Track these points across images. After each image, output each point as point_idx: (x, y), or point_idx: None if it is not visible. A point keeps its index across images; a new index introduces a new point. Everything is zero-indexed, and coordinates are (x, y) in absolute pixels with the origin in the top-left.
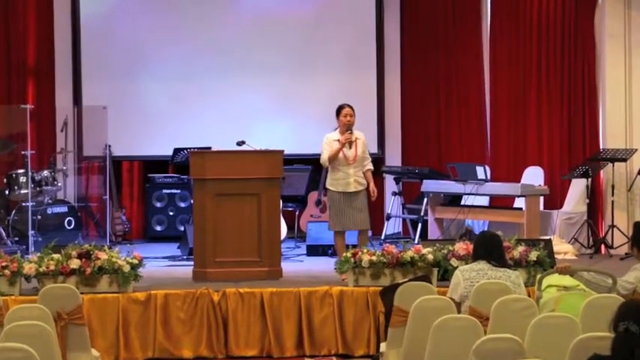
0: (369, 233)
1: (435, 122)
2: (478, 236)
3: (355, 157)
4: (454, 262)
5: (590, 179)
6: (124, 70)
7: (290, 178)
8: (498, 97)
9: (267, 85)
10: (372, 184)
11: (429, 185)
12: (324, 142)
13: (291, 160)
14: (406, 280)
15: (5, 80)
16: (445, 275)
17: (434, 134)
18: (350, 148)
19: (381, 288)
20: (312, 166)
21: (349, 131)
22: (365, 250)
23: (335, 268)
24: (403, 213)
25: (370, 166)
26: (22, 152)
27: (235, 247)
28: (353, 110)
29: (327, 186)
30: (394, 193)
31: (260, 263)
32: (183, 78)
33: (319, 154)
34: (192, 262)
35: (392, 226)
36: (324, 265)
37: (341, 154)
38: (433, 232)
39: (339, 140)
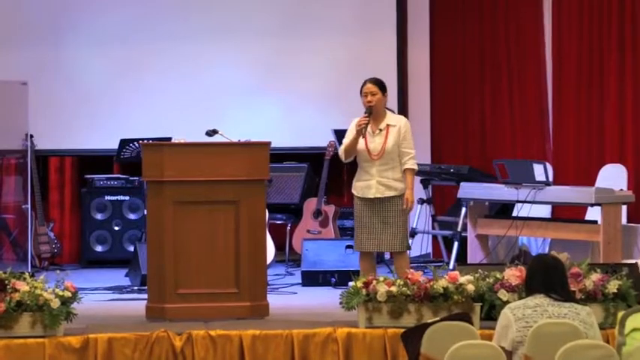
0: (386, 255)
1: (478, 106)
2: (534, 260)
3: (381, 151)
4: (503, 294)
5: None
6: (50, 33)
7: (279, 181)
8: (564, 72)
9: (249, 54)
10: (408, 191)
11: (469, 190)
12: (349, 128)
13: (280, 156)
14: (438, 319)
15: None
16: (491, 313)
17: (475, 122)
18: (363, 137)
19: (403, 330)
20: (309, 164)
21: (365, 114)
22: (381, 279)
23: (341, 303)
24: (433, 228)
25: (408, 165)
26: None
27: (204, 274)
28: (379, 86)
29: (352, 189)
30: (421, 201)
31: (238, 296)
32: (133, 44)
33: (318, 148)
34: (145, 295)
35: (418, 246)
36: (326, 298)
37: (363, 146)
38: (474, 253)
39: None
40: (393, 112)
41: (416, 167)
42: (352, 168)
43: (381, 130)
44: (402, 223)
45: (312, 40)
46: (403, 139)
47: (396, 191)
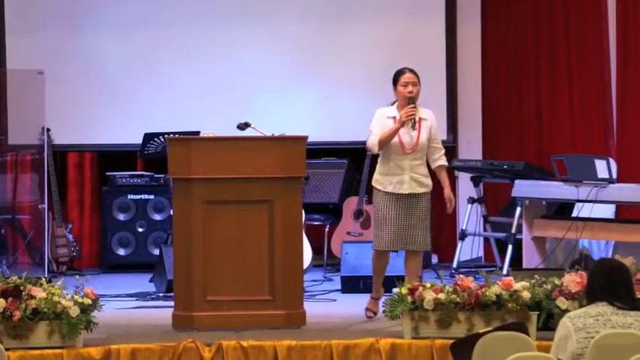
0: (433, 259)
1: (534, 96)
2: (597, 265)
3: (416, 144)
4: (562, 302)
5: None
6: (67, 18)
7: (317, 178)
8: (630, 60)
9: (285, 40)
10: (447, 189)
11: (525, 188)
12: (374, 119)
13: (318, 152)
14: (490, 329)
15: None
16: (548, 323)
17: (531, 113)
18: (413, 129)
19: (452, 341)
20: (350, 160)
21: (412, 105)
22: (428, 285)
23: (384, 311)
24: (485, 229)
25: (442, 161)
26: None
27: (236, 279)
28: (417, 77)
29: (373, 183)
30: (471, 200)
31: (272, 304)
32: (157, 28)
33: (359, 142)
34: (171, 303)
35: (468, 249)
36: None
37: (396, 138)
38: (530, 257)
39: (395, 118)
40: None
41: (447, 164)
42: None
43: (414, 120)
44: (428, 222)
45: (353, 24)
46: (435, 134)
47: (427, 187)
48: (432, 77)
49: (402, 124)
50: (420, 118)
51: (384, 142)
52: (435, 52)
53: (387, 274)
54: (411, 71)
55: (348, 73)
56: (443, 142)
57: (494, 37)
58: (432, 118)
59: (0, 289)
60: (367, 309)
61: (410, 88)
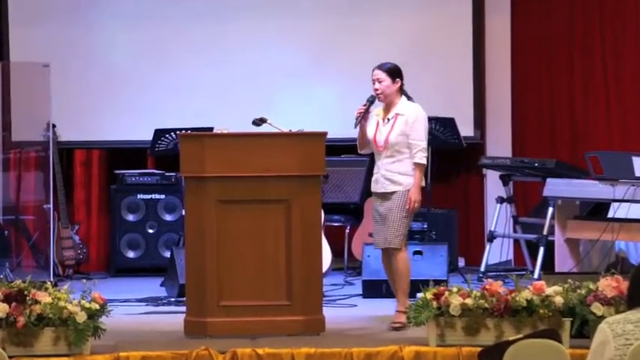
0: (460, 262)
1: (566, 89)
2: (638, 269)
3: (386, 142)
4: (598, 308)
5: None
6: (75, 9)
7: (337, 177)
8: None
9: (302, 32)
10: (412, 189)
11: (557, 187)
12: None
13: (338, 149)
14: (520, 336)
15: None
16: (583, 330)
17: (564, 108)
18: (383, 126)
19: (480, 349)
20: (371, 158)
21: (364, 103)
22: (455, 290)
23: (408, 317)
24: (515, 230)
25: (416, 158)
26: None
27: (251, 283)
28: (388, 73)
29: None
30: (500, 200)
31: (290, 309)
32: (169, 20)
33: None
34: (183, 308)
35: (497, 251)
36: (391, 311)
37: (372, 137)
38: (563, 260)
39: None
40: (410, 98)
41: (423, 161)
42: None
43: (389, 119)
44: (398, 219)
45: (373, 17)
46: (410, 130)
47: (401, 186)
48: (458, 70)
49: (358, 121)
50: (397, 114)
51: (359, 142)
52: (461, 44)
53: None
54: (379, 67)
55: (369, 68)
56: (469, 137)
57: (524, 29)
58: (411, 112)
59: (3, 294)
60: (392, 322)
61: (375, 85)
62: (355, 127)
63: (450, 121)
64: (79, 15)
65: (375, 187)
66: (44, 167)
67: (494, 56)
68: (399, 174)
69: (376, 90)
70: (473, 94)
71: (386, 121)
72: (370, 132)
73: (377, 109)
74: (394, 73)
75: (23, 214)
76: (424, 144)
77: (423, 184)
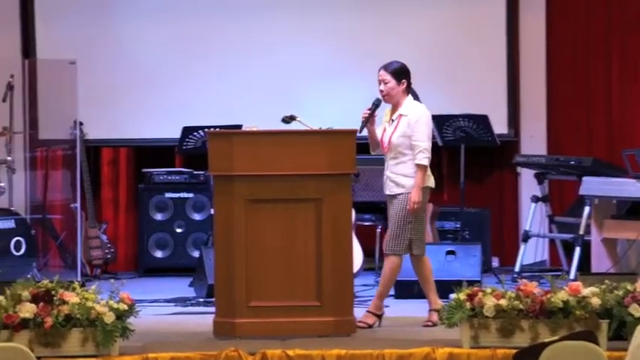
0: (494, 262)
1: (603, 85)
2: None
3: (389, 143)
4: (636, 310)
5: None
6: (103, 6)
7: (367, 175)
8: None
9: (332, 29)
10: (413, 190)
11: (593, 185)
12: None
13: (369, 147)
14: (556, 338)
15: None
16: (621, 331)
17: (601, 104)
18: (359, 131)
19: (515, 351)
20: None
21: (370, 107)
22: (489, 290)
23: (441, 318)
24: (550, 230)
25: (417, 159)
26: None
27: (281, 284)
28: (393, 74)
29: None
30: (535, 199)
31: (320, 310)
32: (197, 16)
33: None
34: (212, 308)
35: (532, 252)
36: (423, 312)
37: (379, 138)
38: (600, 260)
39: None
40: (417, 98)
41: (425, 162)
42: (453, 160)
43: (393, 120)
44: (401, 223)
45: (404, 12)
46: (412, 131)
47: (404, 188)
48: (491, 66)
49: (364, 124)
50: (401, 115)
51: (370, 144)
52: (495, 41)
53: (442, 279)
54: (385, 68)
55: None
56: (503, 135)
57: (559, 25)
58: (414, 113)
59: (31, 294)
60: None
61: (380, 86)
62: (360, 131)
63: (484, 118)
64: (105, 12)
65: (383, 189)
66: (71, 166)
67: (529, 53)
68: (402, 176)
69: (381, 91)
70: (507, 91)
71: (391, 122)
72: (379, 133)
73: (387, 109)
74: (400, 73)
75: (50, 213)
76: (426, 145)
77: (432, 184)
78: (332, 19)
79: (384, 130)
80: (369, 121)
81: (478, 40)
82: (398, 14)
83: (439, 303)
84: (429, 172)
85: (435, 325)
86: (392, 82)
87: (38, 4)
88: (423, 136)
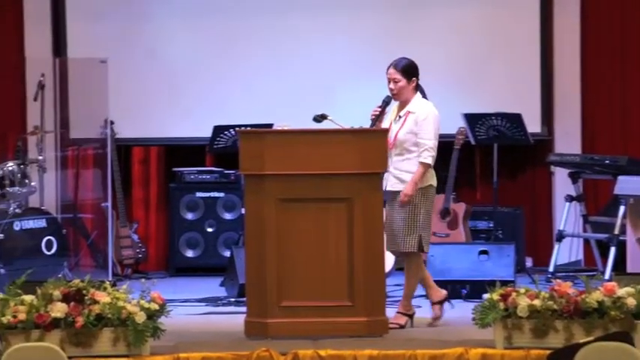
0: (527, 262)
1: (638, 83)
2: None
3: (394, 139)
4: None
5: None
6: (133, 5)
7: None
8: None
9: (364, 27)
10: (409, 184)
11: (629, 185)
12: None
13: None
14: (591, 339)
15: None
16: None
17: (636, 103)
18: (396, 124)
19: (549, 352)
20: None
21: (380, 105)
22: (522, 291)
23: (474, 319)
24: (585, 230)
25: (421, 158)
26: None
27: (313, 284)
28: (403, 72)
29: None
30: (569, 198)
31: (352, 310)
32: (227, 15)
33: (445, 135)
34: (244, 308)
35: (566, 251)
36: (456, 312)
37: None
38: (635, 260)
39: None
40: (425, 96)
41: (428, 161)
42: (487, 159)
43: (400, 117)
44: (412, 220)
45: (436, 9)
46: (419, 129)
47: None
48: (525, 63)
49: (373, 123)
50: (408, 112)
51: None
52: (528, 36)
53: (475, 279)
54: (395, 66)
55: (431, 62)
56: (537, 134)
57: (594, 22)
58: (422, 111)
59: (62, 294)
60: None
61: (390, 85)
62: (370, 126)
63: (517, 117)
64: (136, 10)
65: (385, 185)
66: (102, 165)
67: (563, 50)
68: (407, 172)
69: (391, 90)
70: (540, 89)
71: (398, 118)
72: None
73: (395, 105)
74: (410, 71)
75: (81, 212)
76: (431, 143)
77: (434, 182)
78: (364, 18)
79: (390, 126)
80: (379, 119)
81: (512, 38)
82: (431, 13)
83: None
84: (432, 171)
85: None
86: (402, 81)
87: (69, 4)
88: (429, 134)
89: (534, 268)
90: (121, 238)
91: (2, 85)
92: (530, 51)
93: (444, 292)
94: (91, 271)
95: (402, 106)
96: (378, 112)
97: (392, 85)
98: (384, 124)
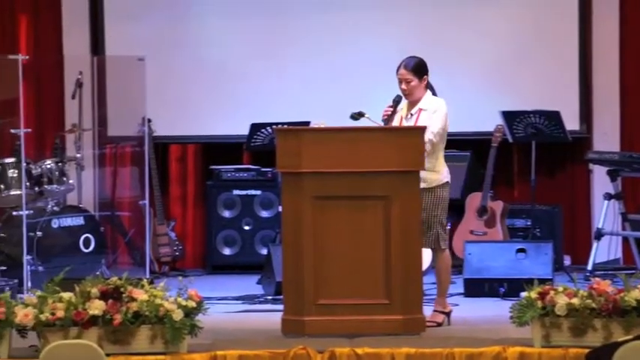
0: (566, 260)
1: None
2: None
3: None
4: None
5: None
6: (170, 3)
7: None
8: None
9: (402, 25)
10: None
11: None
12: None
13: None
14: (630, 337)
15: None
16: None
17: None
18: (406, 121)
19: (588, 350)
20: (473, 153)
21: (390, 104)
22: (560, 289)
23: (511, 317)
24: (624, 228)
25: (427, 135)
26: (12, 131)
27: (349, 282)
28: (414, 72)
29: None
30: (608, 196)
31: (389, 308)
32: (265, 12)
33: (483, 133)
34: (280, 306)
35: (605, 250)
36: (494, 311)
37: None
38: None
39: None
40: (433, 91)
41: (427, 139)
42: (525, 157)
43: (412, 114)
44: (433, 217)
45: (478, 7)
46: (430, 120)
47: (425, 183)
48: (564, 61)
49: (386, 122)
50: (421, 109)
51: None
52: (567, 33)
53: (512, 277)
54: (406, 66)
55: (472, 59)
56: (575, 132)
57: (634, 17)
58: (434, 106)
59: (100, 291)
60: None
61: (402, 85)
62: (385, 123)
63: (555, 114)
64: (174, 9)
65: None
66: (139, 162)
67: (602, 47)
68: (425, 171)
69: (403, 90)
70: (579, 86)
71: (410, 116)
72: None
73: (405, 102)
74: (421, 70)
75: (119, 210)
76: (437, 131)
77: (449, 179)
78: (403, 14)
79: (401, 123)
80: (390, 118)
81: (551, 36)
82: (470, 9)
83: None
84: (447, 168)
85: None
86: (415, 81)
87: (107, 2)
88: (437, 125)
89: (573, 267)
90: (158, 235)
91: (41, 84)
92: (569, 48)
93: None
94: (128, 269)
95: (413, 104)
96: (390, 112)
97: (404, 86)
98: (394, 123)
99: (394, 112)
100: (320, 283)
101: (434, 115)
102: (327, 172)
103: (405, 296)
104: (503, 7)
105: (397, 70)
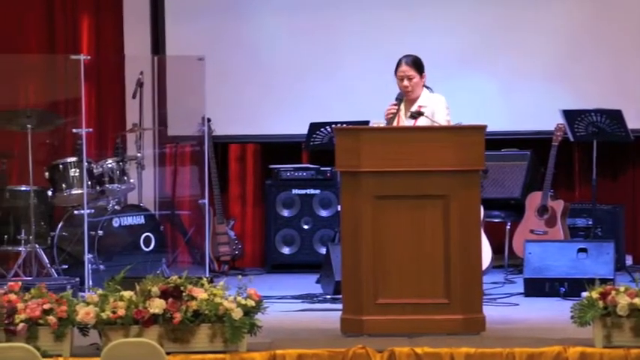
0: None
1: None
2: None
3: None
4: None
5: None
6: (230, 2)
7: (497, 171)
8: None
9: (462, 21)
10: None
11: None
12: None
13: (498, 142)
14: None
15: (46, 18)
16: None
17: None
18: (405, 120)
19: None
20: (533, 152)
21: (394, 102)
22: (622, 289)
23: (572, 317)
24: None
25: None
26: (73, 130)
27: (409, 281)
28: (416, 68)
29: None
30: None
31: (449, 308)
32: (325, 11)
33: (543, 132)
34: (339, 305)
35: None
36: (554, 311)
37: None
38: None
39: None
40: (430, 89)
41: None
42: (586, 157)
43: (412, 114)
44: None
45: (536, 8)
46: (438, 120)
47: None
48: (626, 59)
49: (388, 123)
50: (420, 107)
51: None
52: (630, 32)
53: (573, 277)
54: (407, 63)
55: (530, 59)
56: (637, 131)
57: None
58: (434, 103)
59: (160, 290)
60: None
61: (405, 82)
62: (389, 123)
63: (617, 113)
64: (234, 9)
65: None
66: (199, 162)
67: None
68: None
69: (406, 87)
70: None
71: (409, 114)
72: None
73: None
74: (421, 66)
75: (179, 209)
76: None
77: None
78: (464, 11)
79: (398, 122)
80: (395, 117)
81: (611, 32)
82: (532, 6)
83: None
84: None
85: None
86: (417, 77)
87: (168, 2)
88: (443, 116)
89: (635, 267)
90: (217, 234)
91: (102, 83)
92: (632, 47)
93: None
94: (188, 268)
95: (411, 102)
96: (395, 110)
97: (406, 83)
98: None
99: (399, 111)
100: (379, 282)
101: (438, 109)
102: (385, 172)
103: (465, 296)
104: (562, 4)
105: (396, 69)
